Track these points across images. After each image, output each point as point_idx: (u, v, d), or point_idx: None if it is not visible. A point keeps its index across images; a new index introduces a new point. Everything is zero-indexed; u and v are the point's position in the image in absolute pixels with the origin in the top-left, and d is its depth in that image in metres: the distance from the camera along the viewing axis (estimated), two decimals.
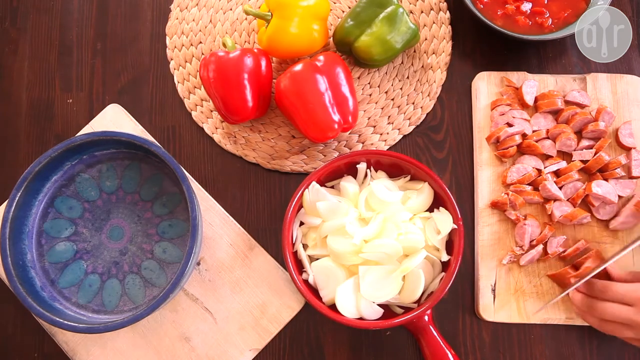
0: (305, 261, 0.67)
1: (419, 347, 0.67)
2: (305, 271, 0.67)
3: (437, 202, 0.68)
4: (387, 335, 0.71)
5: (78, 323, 0.62)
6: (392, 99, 0.77)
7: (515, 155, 0.73)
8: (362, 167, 0.69)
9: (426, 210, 0.69)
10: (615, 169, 0.71)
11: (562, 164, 0.72)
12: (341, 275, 0.65)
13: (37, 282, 0.67)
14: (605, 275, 0.66)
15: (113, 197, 0.72)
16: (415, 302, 0.66)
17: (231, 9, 0.81)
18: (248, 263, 0.72)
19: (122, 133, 0.67)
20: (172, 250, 0.70)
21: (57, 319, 0.62)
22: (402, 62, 0.78)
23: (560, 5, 0.76)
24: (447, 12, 0.80)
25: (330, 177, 0.71)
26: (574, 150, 0.72)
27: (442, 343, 0.65)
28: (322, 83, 0.68)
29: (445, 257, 0.66)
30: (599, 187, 0.70)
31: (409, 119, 0.77)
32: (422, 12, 0.80)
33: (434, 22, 0.79)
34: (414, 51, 0.79)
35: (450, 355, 0.64)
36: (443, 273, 0.66)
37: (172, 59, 0.80)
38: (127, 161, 0.72)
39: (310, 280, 0.67)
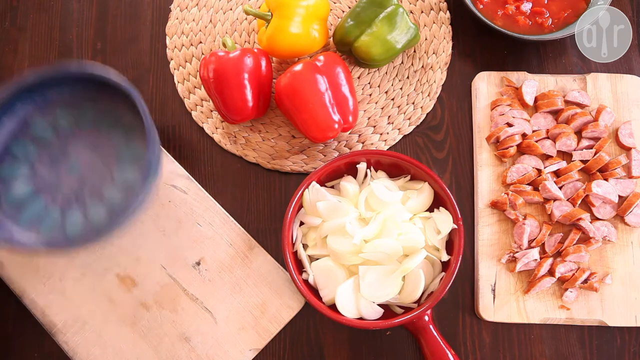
0: (305, 261, 0.67)
1: (419, 347, 0.67)
2: (305, 271, 0.67)
3: (437, 202, 0.68)
4: (387, 335, 0.71)
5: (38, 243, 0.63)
6: (392, 99, 0.77)
7: (515, 155, 0.73)
8: (362, 167, 0.69)
9: (426, 210, 0.69)
10: (615, 168, 0.71)
11: (562, 164, 0.72)
12: (341, 275, 0.65)
13: None
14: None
15: (69, 134, 0.71)
16: (415, 302, 0.66)
17: (231, 9, 0.81)
18: (248, 263, 0.72)
19: (74, 67, 0.66)
20: (133, 175, 0.69)
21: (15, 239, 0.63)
22: (402, 62, 0.78)
23: (560, 5, 0.76)
24: (447, 12, 0.80)
25: (330, 177, 0.71)
26: (574, 150, 0.72)
27: (442, 343, 0.65)
28: (322, 83, 0.68)
29: (445, 257, 0.66)
30: (599, 187, 0.70)
31: (409, 118, 0.77)
32: (422, 12, 0.80)
33: (434, 22, 0.79)
34: (414, 51, 0.79)
35: (450, 355, 0.64)
36: (443, 273, 0.66)
37: (172, 59, 0.80)
38: (84, 98, 0.71)
39: (310, 280, 0.67)
